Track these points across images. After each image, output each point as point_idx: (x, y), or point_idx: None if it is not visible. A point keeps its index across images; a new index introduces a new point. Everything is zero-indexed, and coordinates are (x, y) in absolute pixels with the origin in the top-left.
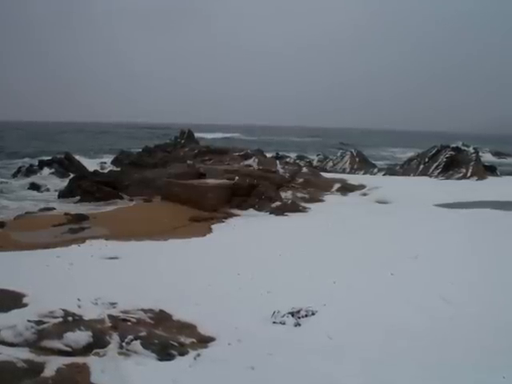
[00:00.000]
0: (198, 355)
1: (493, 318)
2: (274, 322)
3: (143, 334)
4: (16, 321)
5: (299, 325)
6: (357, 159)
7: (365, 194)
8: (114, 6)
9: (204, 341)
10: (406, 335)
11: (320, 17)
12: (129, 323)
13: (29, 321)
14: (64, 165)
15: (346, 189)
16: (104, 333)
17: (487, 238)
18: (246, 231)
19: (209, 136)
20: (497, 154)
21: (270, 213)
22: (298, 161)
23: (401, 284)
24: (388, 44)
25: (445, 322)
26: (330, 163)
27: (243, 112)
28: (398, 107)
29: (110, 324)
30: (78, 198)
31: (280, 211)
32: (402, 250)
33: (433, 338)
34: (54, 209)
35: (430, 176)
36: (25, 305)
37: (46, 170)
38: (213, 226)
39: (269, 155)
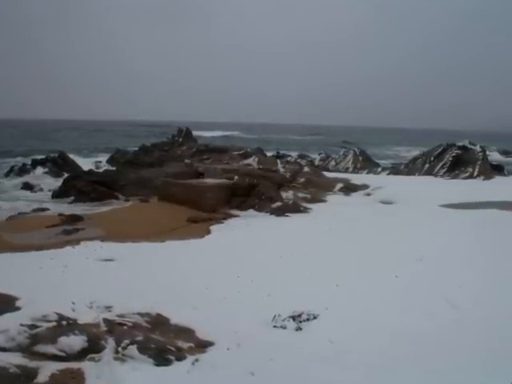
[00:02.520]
0: (196, 360)
1: (500, 321)
2: (275, 326)
3: (139, 338)
4: (8, 325)
5: (300, 329)
6: (360, 158)
7: (368, 194)
8: (113, 1)
9: (202, 345)
10: (411, 339)
11: (322, 14)
12: (125, 327)
13: (22, 325)
14: (58, 164)
15: (349, 189)
16: (99, 337)
17: (494, 239)
18: (245, 232)
19: (207, 134)
20: (505, 152)
21: (271, 213)
22: (299, 160)
23: (405, 287)
24: (391, 42)
25: (451, 325)
26: (333, 162)
27: (244, 110)
28: (403, 105)
29: (105, 328)
30: (72, 198)
31: (281, 212)
32: (407, 252)
33: (438, 342)
34: (48, 209)
35: (436, 175)
36: (17, 308)
37: (40, 170)
38: (211, 227)
39: (269, 154)
